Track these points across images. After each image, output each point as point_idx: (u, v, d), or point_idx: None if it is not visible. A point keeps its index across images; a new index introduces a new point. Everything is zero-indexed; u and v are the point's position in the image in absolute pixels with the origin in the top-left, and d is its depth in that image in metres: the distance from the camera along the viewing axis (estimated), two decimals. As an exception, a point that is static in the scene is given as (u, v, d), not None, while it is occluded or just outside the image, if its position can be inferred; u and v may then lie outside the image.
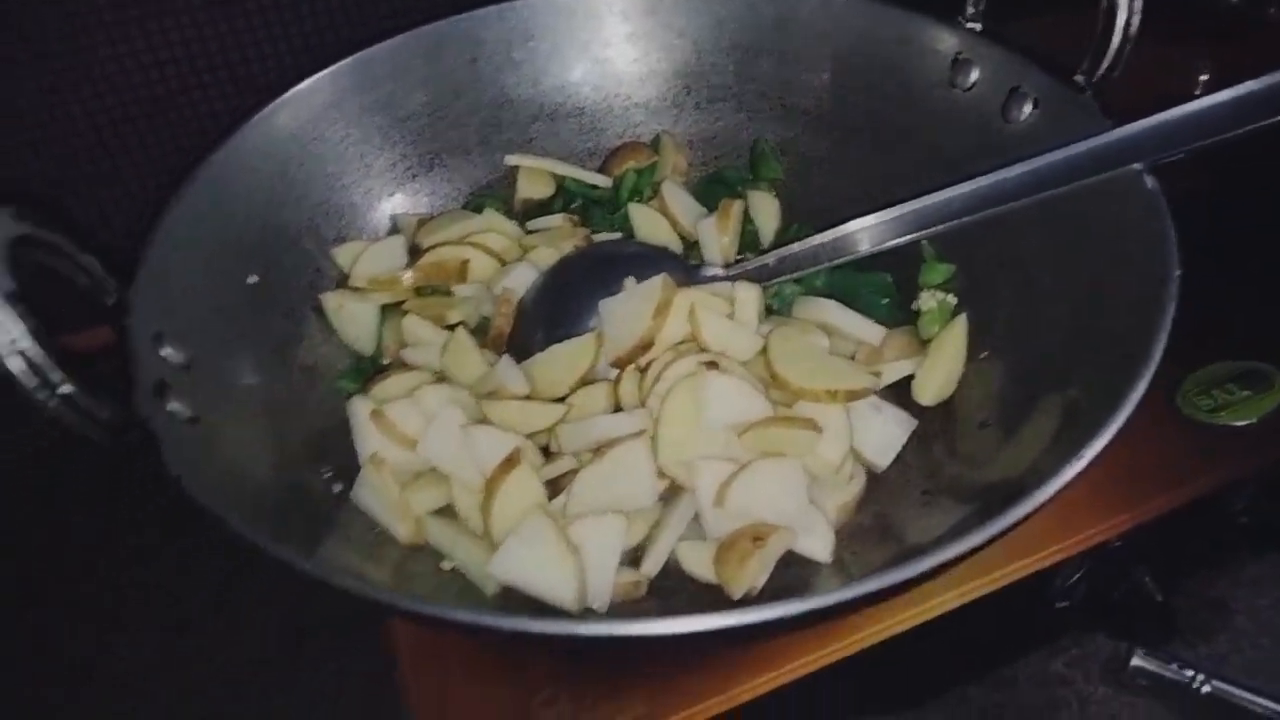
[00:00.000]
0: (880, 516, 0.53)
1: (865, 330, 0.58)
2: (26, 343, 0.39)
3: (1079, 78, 0.57)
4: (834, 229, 0.58)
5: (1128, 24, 0.54)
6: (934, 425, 0.57)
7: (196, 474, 0.42)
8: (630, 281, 0.56)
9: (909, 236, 0.57)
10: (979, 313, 0.59)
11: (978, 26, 0.64)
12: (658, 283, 0.53)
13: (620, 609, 0.48)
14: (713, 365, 0.51)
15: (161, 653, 0.65)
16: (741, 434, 0.50)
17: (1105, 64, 0.55)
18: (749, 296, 0.55)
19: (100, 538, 0.71)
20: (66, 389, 0.40)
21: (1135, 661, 0.59)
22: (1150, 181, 0.51)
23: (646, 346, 0.53)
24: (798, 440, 0.50)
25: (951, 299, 0.61)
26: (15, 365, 0.39)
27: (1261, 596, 0.66)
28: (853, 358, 0.58)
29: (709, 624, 0.37)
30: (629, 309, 0.53)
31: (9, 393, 0.40)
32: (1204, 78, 0.90)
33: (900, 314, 0.63)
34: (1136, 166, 0.51)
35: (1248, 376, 0.67)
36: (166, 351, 0.50)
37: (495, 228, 0.66)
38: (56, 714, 0.63)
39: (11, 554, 0.70)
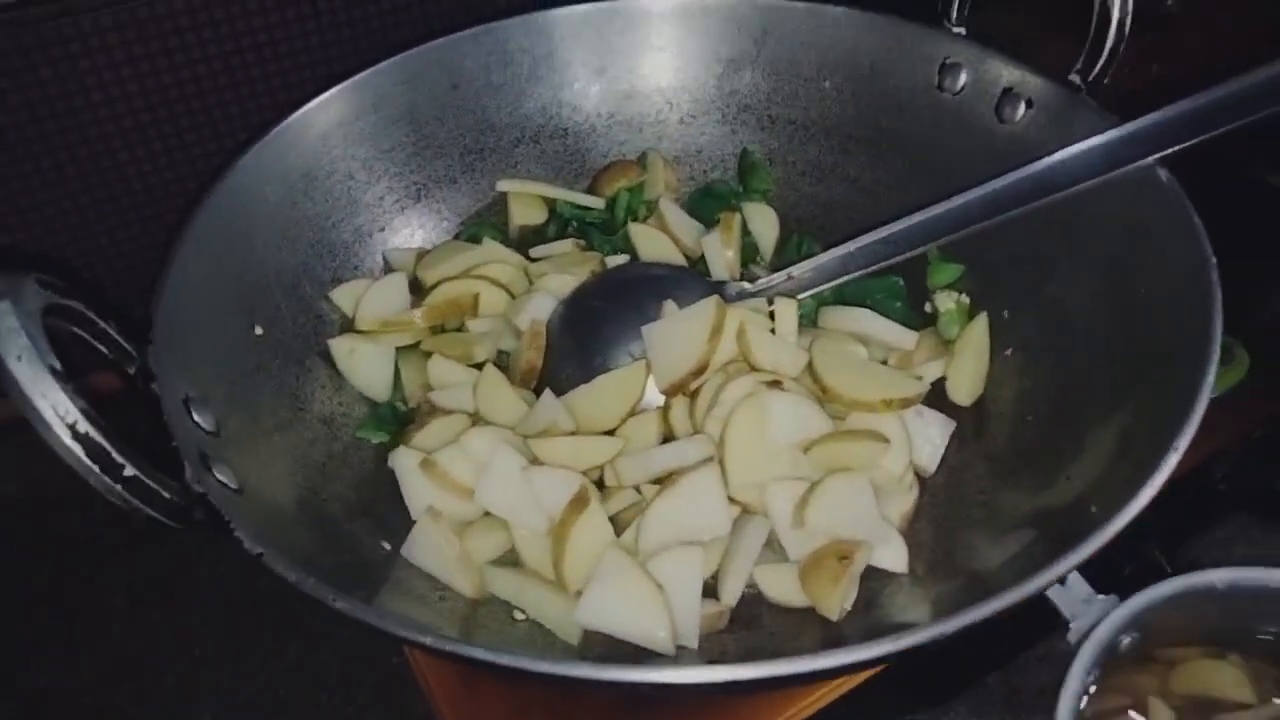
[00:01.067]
0: (937, 523, 0.54)
1: (898, 336, 0.58)
2: (85, 425, 0.36)
3: (1074, 78, 0.59)
4: (856, 240, 0.59)
5: (1122, 23, 0.56)
6: (970, 426, 0.58)
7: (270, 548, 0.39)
8: (670, 305, 0.55)
9: (932, 243, 0.58)
10: (996, 310, 0.61)
11: (963, 31, 0.65)
12: (710, 304, 0.52)
13: (708, 643, 0.47)
14: (775, 384, 0.50)
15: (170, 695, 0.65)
16: (807, 450, 0.50)
17: (1101, 63, 0.57)
18: (788, 312, 0.55)
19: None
20: (131, 472, 0.37)
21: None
22: (1165, 174, 0.53)
23: (700, 371, 0.52)
24: (865, 453, 0.50)
25: (966, 299, 0.62)
26: (76, 451, 0.36)
27: (1231, 555, 0.70)
28: (884, 363, 0.59)
29: (861, 655, 0.36)
30: (679, 333, 0.53)
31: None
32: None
33: (913, 316, 0.64)
34: (1148, 161, 0.53)
35: (1210, 350, 0.70)
36: (196, 418, 0.47)
37: (499, 258, 0.64)
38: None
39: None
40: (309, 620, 0.68)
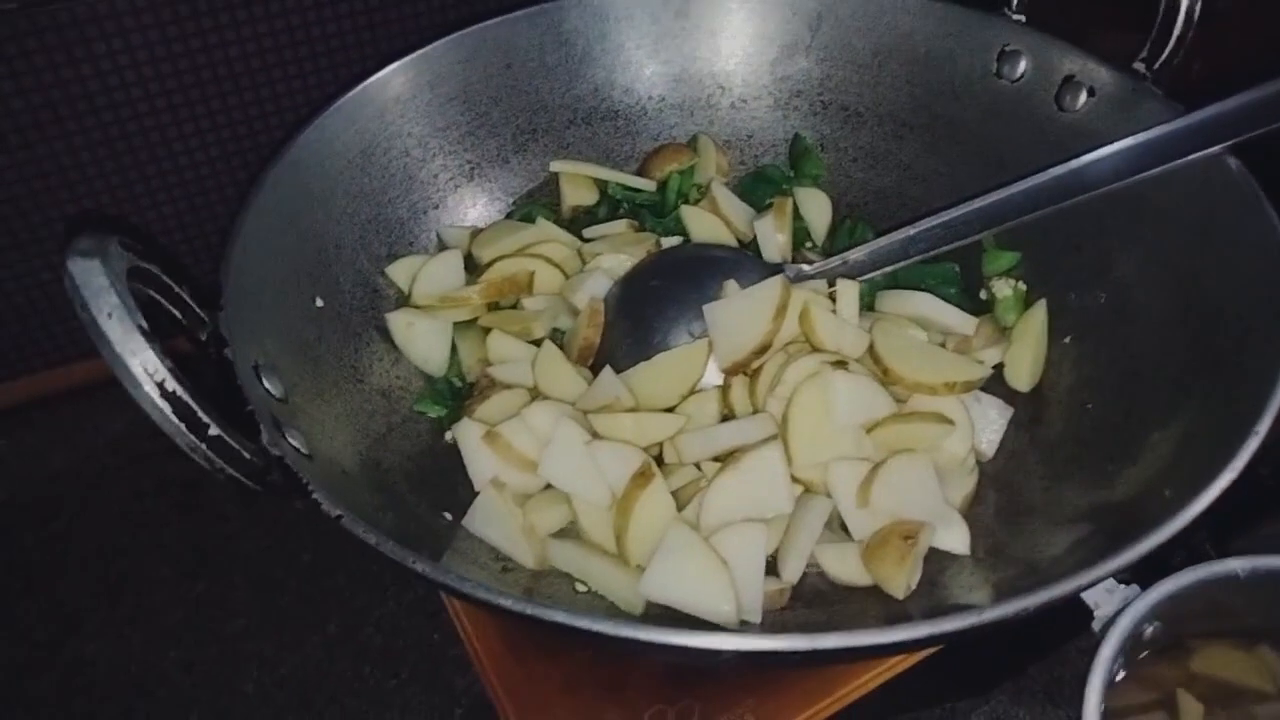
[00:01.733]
0: (998, 507, 0.54)
1: (958, 321, 0.58)
2: (173, 383, 0.36)
3: (1139, 65, 0.59)
4: (914, 224, 0.59)
5: (1191, 10, 0.56)
6: (1027, 412, 0.58)
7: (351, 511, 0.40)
8: (732, 285, 0.55)
9: (992, 229, 0.57)
10: (1054, 297, 0.61)
11: (1023, 18, 0.65)
12: (776, 283, 0.52)
13: (771, 619, 0.48)
14: (839, 364, 0.50)
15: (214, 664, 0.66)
16: (871, 431, 0.50)
17: (1167, 51, 0.57)
18: (850, 293, 0.55)
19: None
20: (215, 431, 0.37)
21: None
22: (1235, 163, 0.52)
23: (764, 350, 0.52)
24: (930, 434, 0.50)
25: (1023, 285, 0.62)
26: (165, 409, 0.36)
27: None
28: (943, 347, 0.59)
29: (927, 631, 0.36)
30: (742, 313, 0.53)
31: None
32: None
33: (967, 303, 0.64)
34: (1216, 149, 0.53)
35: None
36: (266, 385, 0.47)
37: (553, 237, 0.65)
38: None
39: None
40: (351, 595, 0.69)
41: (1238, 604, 0.51)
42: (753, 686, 0.55)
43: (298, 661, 0.66)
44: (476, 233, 0.66)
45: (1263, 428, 0.41)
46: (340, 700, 0.64)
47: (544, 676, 0.55)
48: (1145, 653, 0.51)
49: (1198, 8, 0.56)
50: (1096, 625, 0.49)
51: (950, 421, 0.50)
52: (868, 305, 0.61)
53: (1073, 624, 0.66)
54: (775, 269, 0.59)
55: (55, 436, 0.78)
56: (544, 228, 0.65)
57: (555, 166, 0.70)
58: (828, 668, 0.54)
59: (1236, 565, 0.50)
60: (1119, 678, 0.50)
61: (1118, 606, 0.48)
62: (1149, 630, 0.51)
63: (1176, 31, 0.57)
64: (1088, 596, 0.51)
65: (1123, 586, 0.53)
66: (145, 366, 0.36)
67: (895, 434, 0.50)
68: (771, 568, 0.50)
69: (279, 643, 0.67)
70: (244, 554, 0.71)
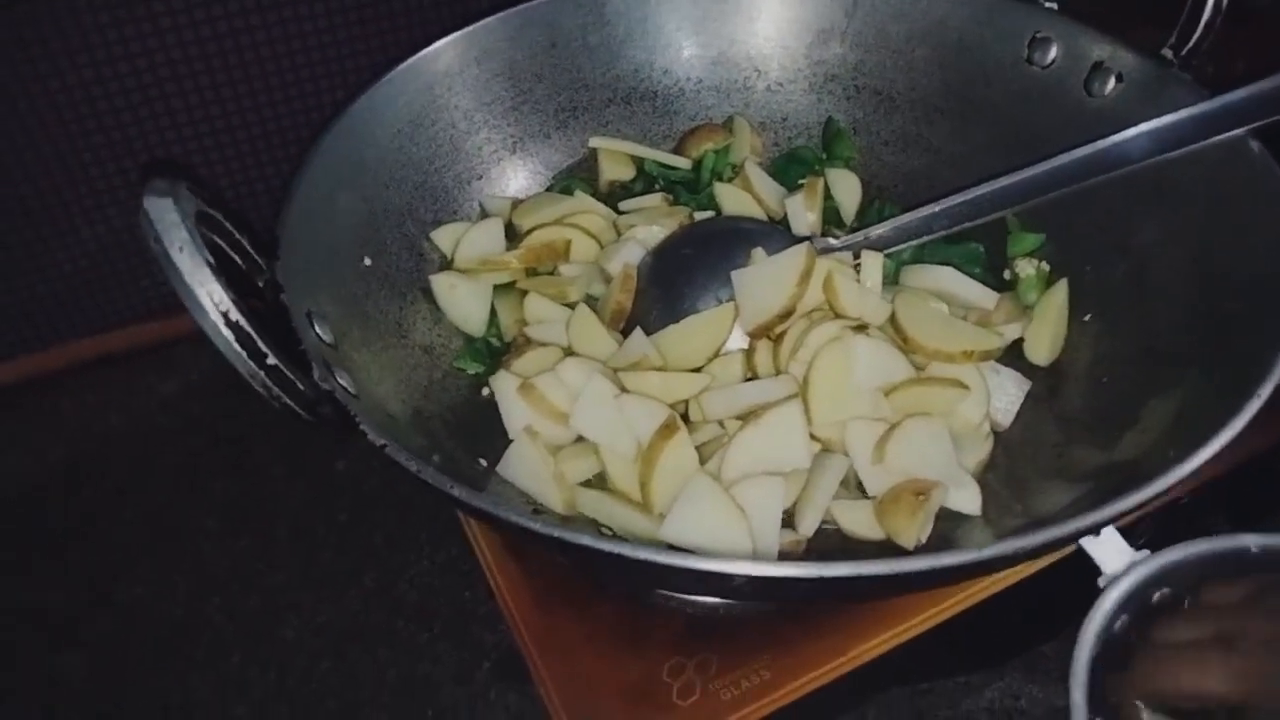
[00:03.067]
0: (1009, 474, 0.55)
1: (979, 295, 0.60)
2: (236, 314, 0.39)
3: (1166, 52, 0.60)
4: (940, 200, 0.60)
5: (1219, -1, 0.57)
6: (1044, 386, 0.60)
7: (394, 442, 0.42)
8: (760, 253, 0.57)
9: (1015, 207, 0.59)
10: (1075, 278, 0.62)
11: (1054, 5, 0.66)
12: (802, 250, 0.55)
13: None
14: (861, 329, 0.52)
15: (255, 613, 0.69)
16: (889, 394, 0.52)
17: (1195, 37, 0.58)
18: (875, 264, 0.57)
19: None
20: (273, 361, 0.40)
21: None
22: (1257, 145, 0.54)
23: (787, 314, 0.54)
24: (945, 398, 0.52)
25: (1045, 265, 0.63)
26: (228, 336, 0.39)
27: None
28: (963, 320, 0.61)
29: (927, 564, 0.38)
30: (768, 278, 0.55)
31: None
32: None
33: (991, 281, 0.65)
34: (1239, 132, 0.54)
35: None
36: (318, 330, 0.50)
37: (590, 209, 0.67)
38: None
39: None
40: (388, 553, 0.72)
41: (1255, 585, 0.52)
42: (769, 643, 0.57)
43: (335, 613, 0.69)
44: (517, 203, 0.69)
45: (1265, 390, 0.42)
46: (374, 651, 0.67)
47: (570, 629, 0.57)
48: (1152, 622, 0.52)
49: (1226, -4, 0.57)
50: (1102, 582, 0.50)
51: (965, 387, 0.52)
52: (893, 280, 0.63)
53: (1086, 603, 0.67)
54: (803, 240, 0.61)
55: (113, 396, 0.82)
56: (581, 200, 0.68)
57: (594, 142, 0.73)
58: (842, 625, 0.56)
59: (1250, 540, 0.51)
60: (1123, 646, 0.51)
61: (1125, 567, 0.49)
62: (1157, 595, 0.51)
63: (1205, 17, 0.58)
64: (1096, 557, 0.51)
65: (1134, 551, 0.54)
66: (212, 296, 0.39)
67: (912, 397, 0.52)
68: (789, 522, 0.52)
69: (318, 595, 0.70)
70: (287, 511, 0.75)
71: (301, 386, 0.42)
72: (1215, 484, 0.66)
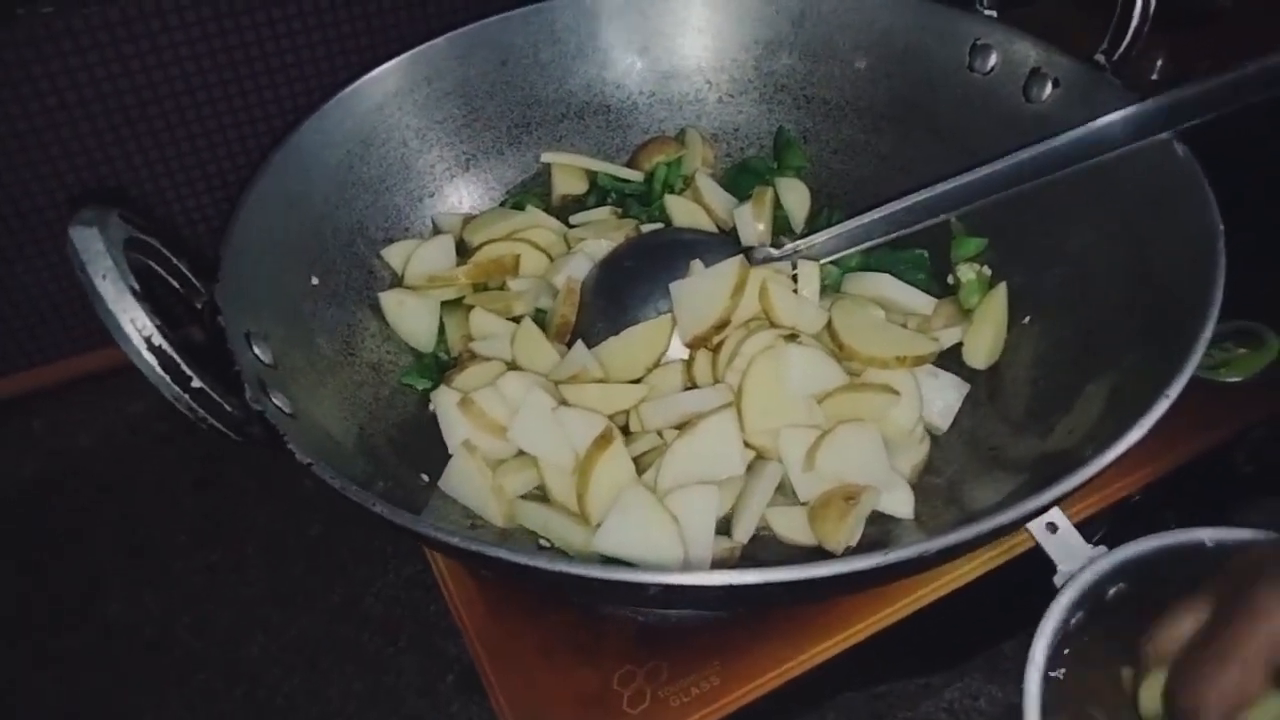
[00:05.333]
0: (947, 476, 0.56)
1: (917, 301, 0.61)
2: (159, 339, 0.40)
3: (1099, 57, 0.61)
4: (880, 207, 0.61)
5: (1146, 3, 0.58)
6: (985, 390, 0.60)
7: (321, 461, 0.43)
8: (697, 264, 0.58)
9: (953, 211, 0.60)
10: (1015, 281, 0.63)
11: (994, 13, 0.67)
12: (735, 263, 0.55)
13: (720, 574, 0.50)
14: (792, 337, 0.53)
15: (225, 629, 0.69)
16: (822, 401, 0.52)
17: (1125, 43, 0.59)
18: (811, 272, 0.58)
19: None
20: (197, 384, 0.41)
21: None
22: (1181, 148, 0.55)
23: (723, 325, 0.55)
24: (876, 404, 0.52)
25: (987, 270, 0.64)
26: (151, 361, 0.40)
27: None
28: (904, 327, 0.61)
29: (847, 567, 0.39)
30: (704, 290, 0.56)
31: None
32: (1160, 63, 0.96)
33: (935, 288, 0.66)
34: (1165, 135, 0.55)
35: (1242, 334, 0.71)
36: (256, 351, 0.51)
37: (541, 224, 0.68)
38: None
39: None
40: (354, 568, 0.73)
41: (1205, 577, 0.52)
42: (720, 649, 0.58)
43: (302, 627, 0.70)
44: (469, 220, 0.70)
45: (1174, 391, 0.43)
46: (341, 664, 0.68)
47: (523, 639, 0.58)
48: (1106, 618, 0.52)
49: (1153, 3, 0.58)
50: (1058, 579, 0.51)
51: (896, 392, 0.53)
52: (836, 288, 0.64)
53: (1045, 601, 0.68)
54: (744, 251, 0.62)
55: (85, 416, 0.83)
56: (532, 214, 0.69)
57: (546, 157, 0.74)
58: (792, 630, 0.57)
59: (1204, 534, 0.52)
60: (1078, 643, 0.51)
61: (1081, 564, 0.50)
62: (1112, 591, 0.52)
63: (1134, 24, 0.59)
64: (1053, 554, 0.52)
65: (1090, 547, 0.54)
66: (135, 323, 0.40)
67: (844, 403, 0.52)
68: (726, 529, 0.53)
69: (285, 610, 0.71)
70: (256, 527, 0.76)
71: (229, 408, 0.43)
72: (1167, 481, 0.67)
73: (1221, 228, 0.50)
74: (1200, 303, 0.47)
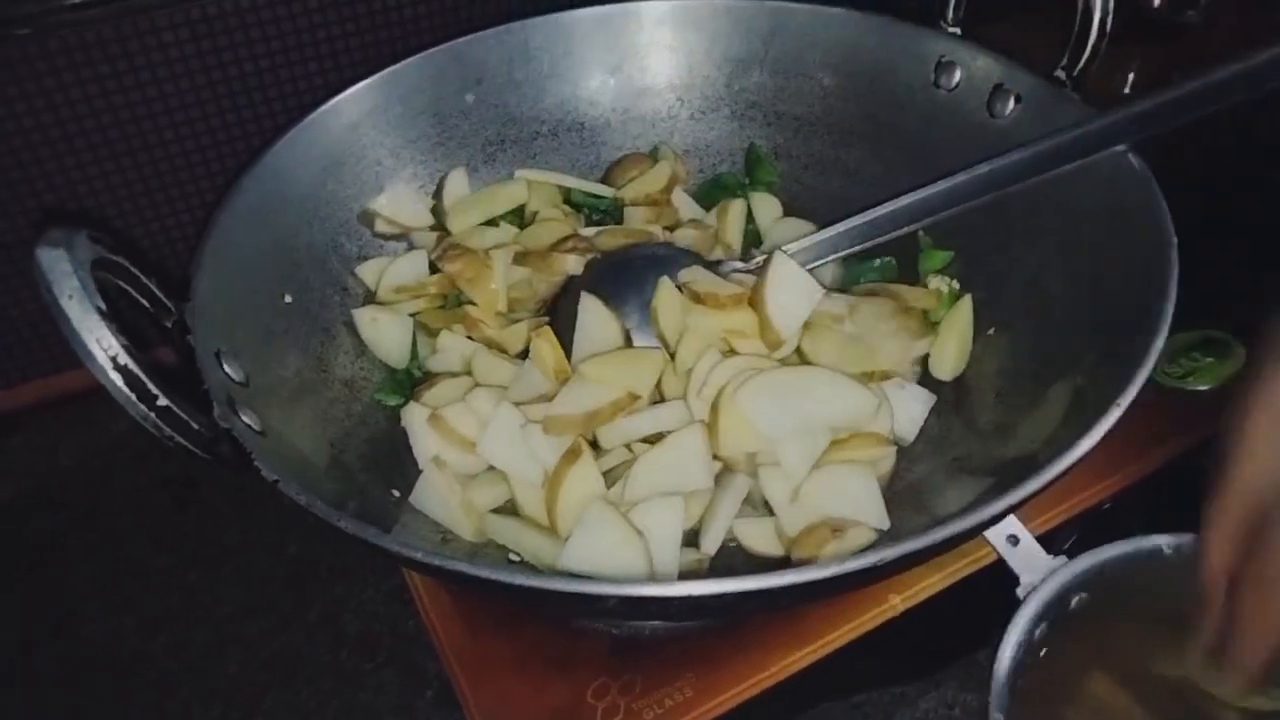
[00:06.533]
0: (912, 486, 0.57)
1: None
2: (125, 358, 0.40)
3: (1059, 73, 0.62)
4: (846, 220, 0.62)
5: (1103, 21, 0.59)
6: (950, 400, 0.61)
7: (288, 479, 0.44)
8: (665, 280, 0.59)
9: (916, 224, 0.61)
10: (979, 293, 0.64)
11: (958, 31, 0.69)
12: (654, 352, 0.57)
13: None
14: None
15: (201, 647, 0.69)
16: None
17: (1084, 59, 0.60)
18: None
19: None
20: (164, 402, 0.41)
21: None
22: (1136, 160, 0.56)
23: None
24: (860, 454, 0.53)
25: (955, 283, 0.65)
26: (117, 380, 0.40)
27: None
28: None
29: (793, 579, 0.39)
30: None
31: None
32: (1132, 76, 0.98)
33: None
34: (1121, 148, 0.56)
35: (1209, 344, 0.72)
36: (226, 369, 0.51)
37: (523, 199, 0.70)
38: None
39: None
40: (332, 584, 0.73)
41: (1166, 584, 0.53)
42: (693, 661, 0.58)
43: (280, 645, 0.70)
44: (443, 238, 0.70)
45: (1125, 400, 0.44)
46: (318, 682, 0.68)
47: (497, 653, 0.58)
48: (1070, 627, 0.53)
49: (1110, 20, 0.60)
50: (1021, 592, 0.52)
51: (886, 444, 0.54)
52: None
53: (1014, 611, 0.68)
54: (711, 264, 0.63)
55: (63, 435, 0.83)
56: (505, 230, 0.69)
57: (520, 174, 0.74)
58: (766, 640, 0.57)
59: (1162, 540, 0.52)
60: (1043, 653, 0.52)
61: (1043, 575, 0.51)
62: (1075, 601, 0.53)
63: (1091, 40, 0.60)
64: (1014, 565, 0.53)
65: (1050, 558, 0.55)
66: (100, 342, 0.40)
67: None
68: (695, 541, 0.54)
69: (263, 628, 0.71)
70: (234, 545, 0.75)
71: (196, 426, 0.43)
72: (1137, 489, 0.67)
73: (1175, 239, 0.51)
74: (1153, 312, 0.47)
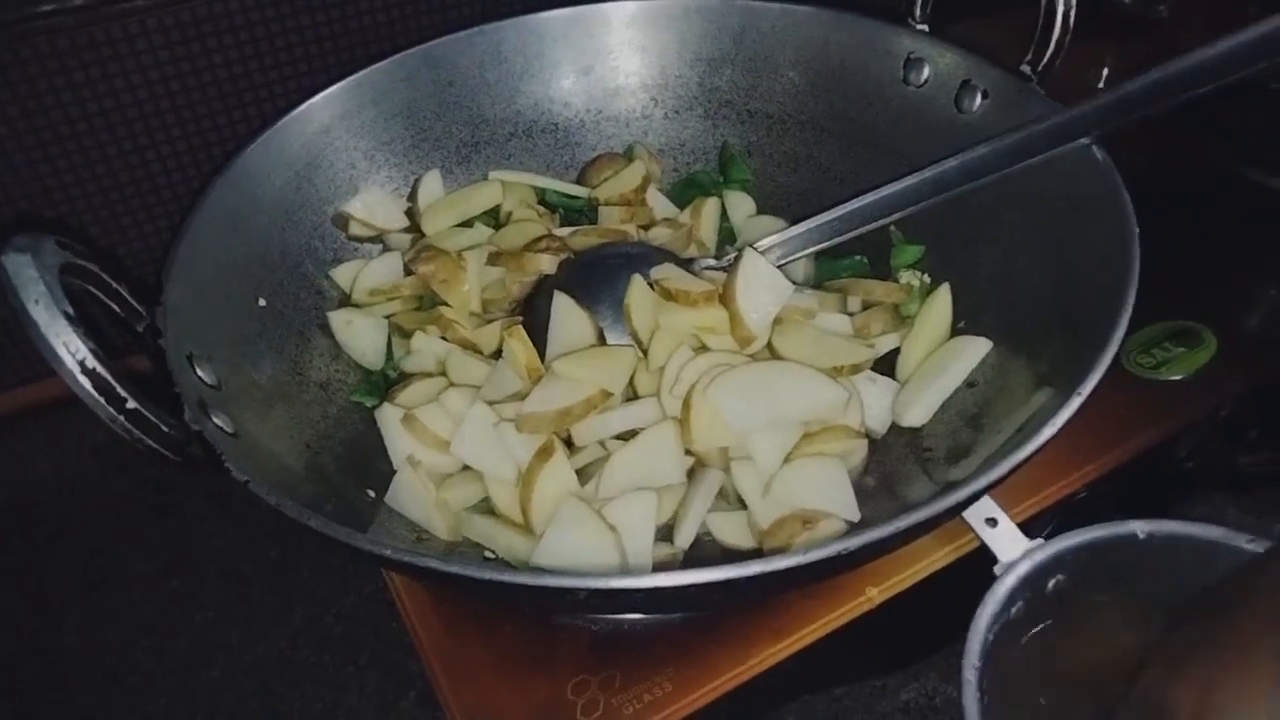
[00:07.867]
0: (884, 478, 0.57)
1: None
2: (93, 362, 0.41)
3: (1025, 68, 0.63)
4: (817, 216, 0.63)
5: (1066, 16, 0.60)
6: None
7: (260, 479, 0.44)
8: (638, 279, 0.59)
9: (885, 219, 0.61)
10: (952, 287, 0.64)
11: (926, 28, 0.69)
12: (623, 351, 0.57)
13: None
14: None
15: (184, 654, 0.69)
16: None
17: (1048, 54, 0.61)
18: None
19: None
20: (132, 405, 0.42)
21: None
22: (1100, 153, 0.56)
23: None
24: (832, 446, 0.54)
25: (926, 277, 0.66)
26: (85, 384, 0.40)
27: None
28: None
29: (766, 568, 0.39)
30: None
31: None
32: (1105, 71, 0.99)
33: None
34: (1085, 140, 0.57)
35: (1181, 335, 0.73)
36: (199, 373, 0.51)
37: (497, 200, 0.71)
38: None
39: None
40: (314, 588, 0.73)
41: (1142, 569, 0.53)
42: (673, 655, 0.58)
43: (263, 650, 0.70)
44: (418, 240, 0.71)
45: (1086, 389, 0.44)
46: (301, 685, 0.68)
47: (476, 652, 0.58)
48: (1047, 609, 0.53)
49: (1072, 15, 0.60)
50: (998, 570, 0.52)
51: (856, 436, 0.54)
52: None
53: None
54: (684, 262, 0.63)
55: (42, 444, 0.83)
56: (479, 231, 0.70)
57: (495, 175, 0.75)
58: (745, 634, 0.58)
59: (1137, 526, 0.53)
60: (1020, 633, 0.52)
61: (1019, 556, 0.51)
62: (1053, 584, 0.53)
63: (1055, 36, 0.61)
64: (992, 546, 0.53)
65: (1027, 540, 0.56)
66: (68, 346, 0.41)
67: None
68: (669, 536, 0.54)
69: (245, 633, 0.71)
70: (215, 551, 0.75)
71: (166, 429, 0.43)
72: (1111, 478, 0.68)
73: (1137, 230, 0.52)
74: (1115, 302, 0.48)
